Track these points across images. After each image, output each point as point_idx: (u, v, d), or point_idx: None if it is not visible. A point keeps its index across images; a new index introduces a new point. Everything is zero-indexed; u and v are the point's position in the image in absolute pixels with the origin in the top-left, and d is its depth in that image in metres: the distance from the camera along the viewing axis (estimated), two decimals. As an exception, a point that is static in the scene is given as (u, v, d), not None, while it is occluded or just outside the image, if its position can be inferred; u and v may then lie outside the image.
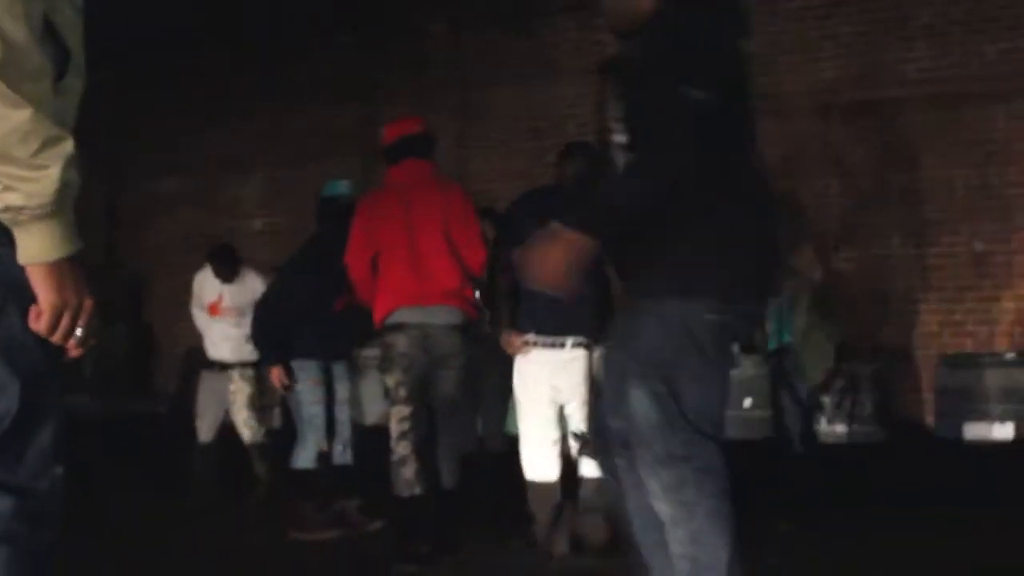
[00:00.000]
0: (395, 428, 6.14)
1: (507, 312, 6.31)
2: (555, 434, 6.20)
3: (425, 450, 6.17)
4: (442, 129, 8.00)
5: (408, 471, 6.07)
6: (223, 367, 8.77)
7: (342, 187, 7.56)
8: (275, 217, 12.82)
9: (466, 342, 6.27)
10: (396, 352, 6.14)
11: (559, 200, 5.82)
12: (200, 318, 8.91)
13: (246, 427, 8.67)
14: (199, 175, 13.31)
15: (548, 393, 6.17)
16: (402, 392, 6.14)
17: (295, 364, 7.31)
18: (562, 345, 6.12)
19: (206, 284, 8.86)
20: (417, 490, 6.07)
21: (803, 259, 7.63)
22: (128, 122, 13.14)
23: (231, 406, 8.73)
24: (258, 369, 8.45)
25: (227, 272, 8.78)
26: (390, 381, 6.18)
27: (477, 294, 6.39)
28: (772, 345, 7.46)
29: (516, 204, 6.42)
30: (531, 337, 6.16)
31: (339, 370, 7.49)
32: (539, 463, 6.16)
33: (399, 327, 6.14)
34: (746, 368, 8.66)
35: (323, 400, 7.32)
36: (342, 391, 7.47)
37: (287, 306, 7.29)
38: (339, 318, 7.19)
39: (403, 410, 6.14)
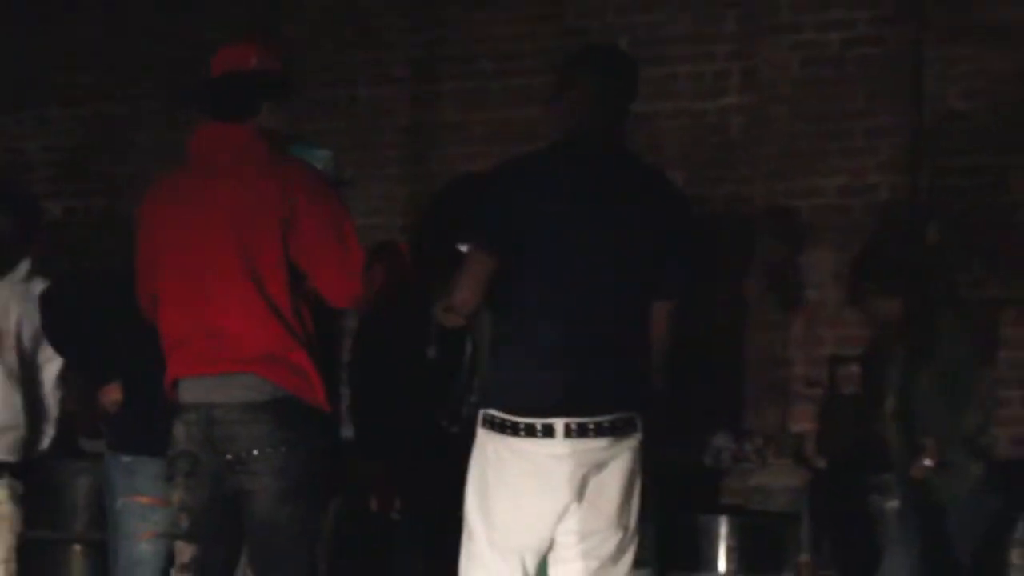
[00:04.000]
0: None
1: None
2: None
3: None
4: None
5: None
6: None
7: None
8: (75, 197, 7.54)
9: (286, 430, 3.81)
10: (175, 449, 3.93)
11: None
12: None
13: None
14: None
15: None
16: (184, 520, 3.92)
17: (120, 462, 4.59)
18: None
19: None
20: None
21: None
22: None
23: None
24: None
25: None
26: (173, 498, 3.96)
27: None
28: None
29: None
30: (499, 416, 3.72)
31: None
32: None
33: (179, 410, 3.93)
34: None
35: (165, 534, 4.21)
36: None
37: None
38: None
39: (184, 551, 3.93)
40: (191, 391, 3.85)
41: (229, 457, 3.79)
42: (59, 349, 4.74)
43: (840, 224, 6.14)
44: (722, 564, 5.45)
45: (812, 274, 6.04)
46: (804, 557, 5.43)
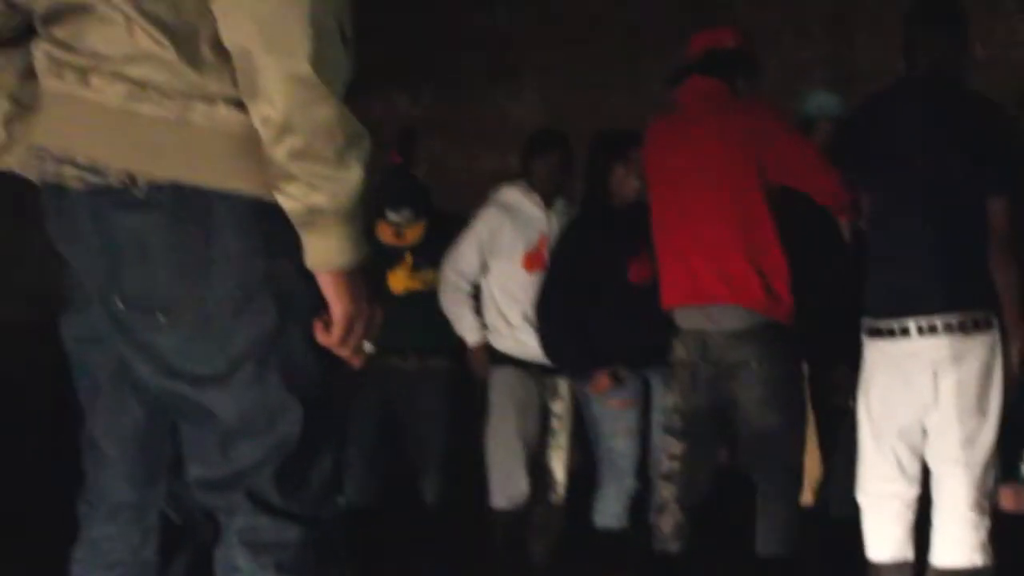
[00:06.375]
0: (663, 465, 4.62)
1: None
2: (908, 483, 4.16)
3: (695, 500, 4.59)
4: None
5: (665, 522, 4.56)
6: (543, 369, 5.20)
7: (821, 101, 5.18)
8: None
9: (766, 348, 4.40)
10: (676, 361, 4.57)
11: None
12: (498, 283, 5.24)
13: (559, 476, 5.36)
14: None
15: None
16: (677, 421, 4.59)
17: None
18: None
19: (518, 218, 5.23)
20: (672, 548, 4.55)
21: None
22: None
23: (551, 446, 5.33)
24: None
25: (556, 182, 5.27)
26: (668, 402, 4.65)
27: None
28: None
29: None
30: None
31: (656, 381, 4.96)
32: (884, 530, 4.16)
33: (679, 332, 4.57)
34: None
35: (636, 430, 4.91)
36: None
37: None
38: (645, 295, 4.75)
39: (675, 446, 4.59)
40: (687, 318, 4.53)
41: (721, 371, 4.46)
42: (554, 355, 5.07)
43: None
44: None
45: None
46: None
